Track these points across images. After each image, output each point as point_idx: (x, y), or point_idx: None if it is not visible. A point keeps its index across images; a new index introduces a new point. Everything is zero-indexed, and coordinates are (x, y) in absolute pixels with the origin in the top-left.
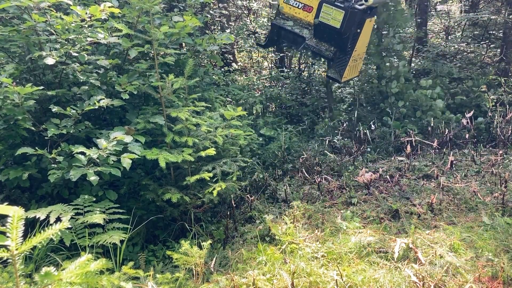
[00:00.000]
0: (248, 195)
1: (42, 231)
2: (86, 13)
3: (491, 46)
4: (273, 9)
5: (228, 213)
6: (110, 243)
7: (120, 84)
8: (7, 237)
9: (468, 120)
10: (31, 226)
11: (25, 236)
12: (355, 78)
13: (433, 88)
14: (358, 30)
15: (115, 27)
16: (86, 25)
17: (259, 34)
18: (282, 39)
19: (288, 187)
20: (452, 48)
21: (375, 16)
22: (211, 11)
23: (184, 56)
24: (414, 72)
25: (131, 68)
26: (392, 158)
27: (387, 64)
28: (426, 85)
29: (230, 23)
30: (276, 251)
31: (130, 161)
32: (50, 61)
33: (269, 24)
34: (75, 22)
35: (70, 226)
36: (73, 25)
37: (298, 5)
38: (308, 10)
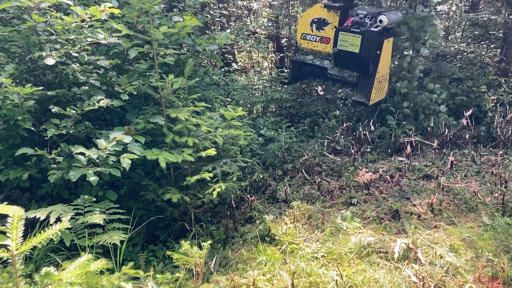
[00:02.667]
0: (248, 195)
1: (42, 231)
2: (86, 14)
3: (491, 46)
4: (273, 9)
5: (228, 213)
6: (110, 243)
7: (120, 85)
8: (7, 237)
9: (468, 121)
10: (31, 226)
11: (25, 236)
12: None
13: (439, 91)
14: (378, 52)
15: (115, 28)
16: (86, 26)
17: (259, 34)
18: (304, 73)
19: (288, 187)
20: (452, 48)
21: (393, 37)
22: (211, 11)
23: (184, 56)
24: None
25: (131, 68)
26: (392, 159)
27: (402, 62)
28: (432, 88)
29: (230, 23)
30: (276, 251)
31: (130, 162)
32: (50, 61)
33: (270, 25)
34: (75, 23)
35: (70, 226)
36: (73, 26)
37: (316, 39)
38: (326, 41)
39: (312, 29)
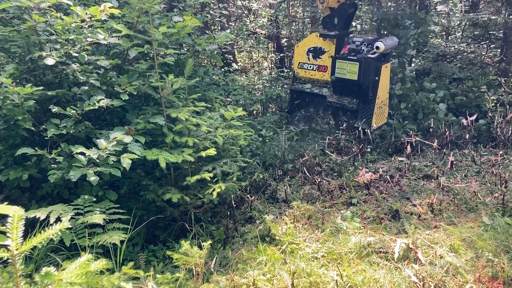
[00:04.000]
0: (248, 195)
1: (42, 231)
2: (86, 14)
3: (491, 46)
4: (273, 9)
5: (228, 213)
6: (110, 243)
7: (120, 85)
8: (7, 237)
9: (469, 121)
10: (31, 226)
11: (25, 236)
12: None
13: (437, 91)
14: (376, 78)
15: (115, 28)
16: (86, 26)
17: (259, 34)
18: (303, 102)
19: (288, 187)
20: (452, 48)
21: (390, 62)
22: (211, 11)
23: (184, 56)
24: (414, 72)
25: (131, 69)
26: (392, 159)
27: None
28: (430, 87)
29: (230, 23)
30: (276, 251)
31: (130, 161)
32: (50, 61)
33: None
34: (75, 23)
35: (70, 226)
36: (73, 26)
37: (313, 67)
38: (323, 69)
39: (308, 58)
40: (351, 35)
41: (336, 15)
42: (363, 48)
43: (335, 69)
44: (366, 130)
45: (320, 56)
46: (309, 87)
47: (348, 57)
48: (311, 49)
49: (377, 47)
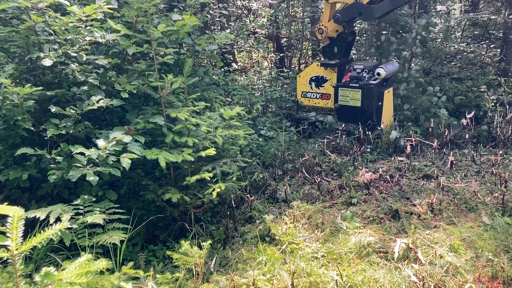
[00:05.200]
0: (248, 195)
1: (42, 231)
2: (83, 13)
3: (491, 46)
4: (273, 9)
5: (228, 213)
6: (110, 243)
7: (120, 84)
8: (7, 237)
9: (468, 121)
10: (31, 226)
11: (25, 236)
12: None
13: (439, 95)
14: (380, 103)
15: (113, 28)
16: (83, 25)
17: (258, 34)
18: (309, 128)
19: (288, 187)
20: (452, 48)
21: (392, 86)
22: (211, 11)
23: (184, 56)
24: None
25: (130, 68)
26: (392, 158)
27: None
28: (434, 92)
29: (230, 23)
30: (276, 251)
31: (130, 161)
32: (47, 62)
33: (269, 24)
34: (72, 22)
35: (70, 226)
36: (70, 25)
37: (316, 96)
38: (327, 97)
39: (311, 87)
40: (352, 62)
41: (336, 44)
42: (364, 75)
43: (338, 97)
44: (366, 131)
45: (322, 85)
46: (313, 115)
47: (350, 84)
48: (313, 78)
49: (378, 74)
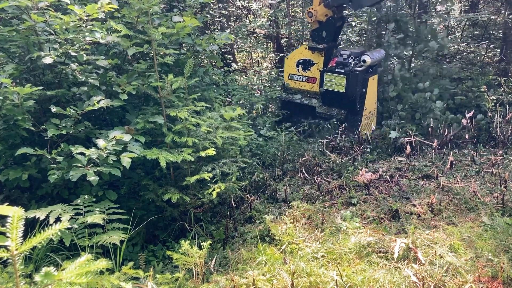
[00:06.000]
0: (248, 195)
1: (42, 231)
2: (84, 12)
3: (491, 46)
4: (273, 9)
5: (228, 213)
6: (110, 243)
7: (119, 85)
8: (7, 237)
9: (468, 120)
10: (31, 226)
11: (25, 236)
12: None
13: (432, 89)
14: (364, 90)
15: (114, 28)
16: (84, 25)
17: (258, 34)
18: (293, 112)
19: (288, 187)
20: (452, 48)
21: (377, 74)
22: (210, 11)
23: (184, 56)
24: (414, 72)
25: (130, 68)
26: (392, 158)
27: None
28: (424, 87)
29: (230, 23)
30: (276, 251)
31: (130, 160)
32: (48, 60)
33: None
34: (73, 22)
35: (70, 226)
36: (71, 25)
37: (302, 79)
38: (312, 81)
39: (298, 70)
40: (339, 47)
41: (324, 28)
42: (350, 61)
43: (324, 81)
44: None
45: (309, 68)
46: (299, 97)
47: (336, 70)
48: (301, 61)
49: (364, 61)
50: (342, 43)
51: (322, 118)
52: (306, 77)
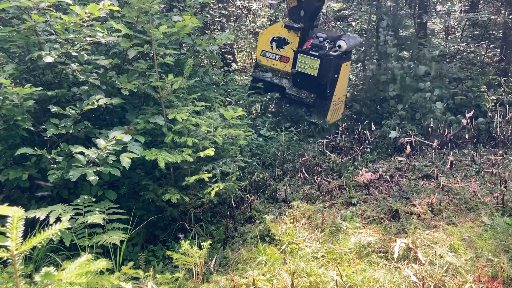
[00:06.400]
0: (248, 195)
1: (42, 231)
2: (85, 12)
3: (491, 46)
4: (273, 9)
5: (228, 213)
6: (110, 243)
7: (120, 83)
8: (7, 237)
9: (468, 120)
10: (31, 226)
11: (25, 236)
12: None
13: (432, 90)
14: (336, 76)
15: (114, 28)
16: (85, 25)
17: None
18: (263, 89)
19: (288, 187)
20: (452, 48)
21: (350, 60)
22: (210, 11)
23: (184, 56)
24: (414, 72)
25: (130, 68)
26: (392, 158)
27: (384, 67)
28: (424, 87)
29: (230, 23)
30: (276, 251)
31: (130, 160)
32: (49, 59)
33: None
34: (74, 22)
35: (70, 226)
36: (72, 25)
37: (275, 57)
38: (285, 60)
39: (272, 47)
40: (316, 29)
41: (303, 7)
42: (325, 44)
43: (297, 62)
44: (365, 132)
45: (283, 47)
46: (269, 76)
47: (310, 52)
48: (275, 38)
49: (339, 46)
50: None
51: (291, 100)
52: (279, 56)
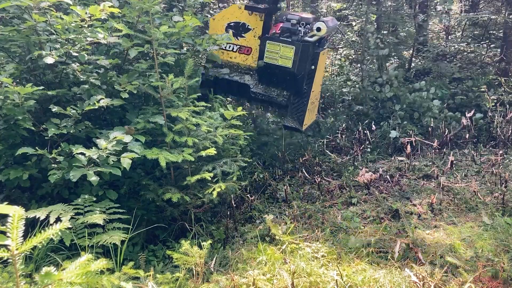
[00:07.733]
0: (248, 195)
1: (42, 231)
2: (86, 13)
3: (491, 46)
4: None
5: (228, 213)
6: (110, 243)
7: (120, 84)
8: (7, 237)
9: (468, 120)
10: (31, 226)
11: (25, 236)
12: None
13: (428, 89)
14: (313, 67)
15: (115, 27)
16: (86, 25)
17: None
18: (220, 89)
19: (288, 187)
20: (452, 48)
21: (327, 47)
22: (211, 11)
23: (184, 56)
24: (414, 72)
25: (131, 68)
26: (392, 158)
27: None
28: (420, 87)
29: None
30: (276, 251)
31: (130, 161)
32: (49, 60)
33: None
34: (75, 22)
35: (70, 226)
36: (73, 25)
37: (233, 48)
38: (246, 52)
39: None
40: (283, 11)
41: None
42: (299, 28)
43: (264, 52)
44: (365, 132)
45: (243, 35)
46: (226, 72)
47: (281, 38)
48: (232, 24)
49: (318, 29)
50: (341, 42)
51: (258, 100)
52: (238, 46)
